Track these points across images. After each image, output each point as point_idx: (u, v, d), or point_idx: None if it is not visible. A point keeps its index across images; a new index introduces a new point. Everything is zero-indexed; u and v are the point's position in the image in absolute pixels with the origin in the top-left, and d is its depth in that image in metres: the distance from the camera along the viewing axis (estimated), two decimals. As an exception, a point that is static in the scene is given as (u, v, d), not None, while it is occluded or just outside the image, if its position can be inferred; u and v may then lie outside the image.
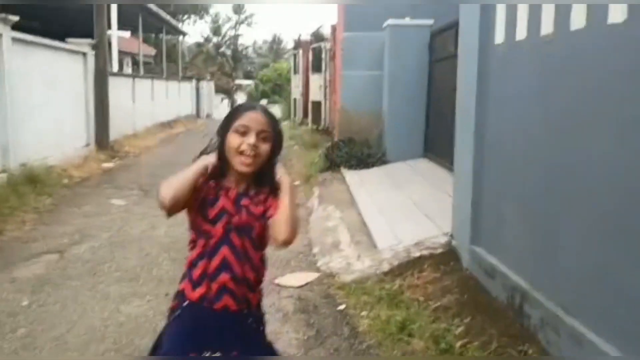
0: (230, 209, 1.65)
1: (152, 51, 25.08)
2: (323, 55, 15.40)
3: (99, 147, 10.41)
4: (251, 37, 78.05)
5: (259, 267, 1.73)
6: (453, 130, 4.35)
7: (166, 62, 21.32)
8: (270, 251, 1.77)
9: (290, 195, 1.65)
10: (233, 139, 1.63)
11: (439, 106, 7.75)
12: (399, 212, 5.51)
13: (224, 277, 1.65)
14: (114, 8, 14.50)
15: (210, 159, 1.66)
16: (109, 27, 12.90)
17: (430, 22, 8.30)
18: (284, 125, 18.78)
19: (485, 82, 3.67)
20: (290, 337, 3.22)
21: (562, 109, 2.74)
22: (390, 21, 8.58)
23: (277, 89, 33.15)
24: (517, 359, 2.73)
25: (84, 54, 10.14)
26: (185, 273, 1.71)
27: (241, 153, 1.62)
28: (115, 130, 11.36)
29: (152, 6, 16.91)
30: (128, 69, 21.53)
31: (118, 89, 12.13)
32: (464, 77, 4.08)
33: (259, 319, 1.78)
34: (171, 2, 29.19)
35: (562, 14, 2.68)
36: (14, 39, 7.30)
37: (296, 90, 21.04)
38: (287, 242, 1.62)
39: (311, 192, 7.41)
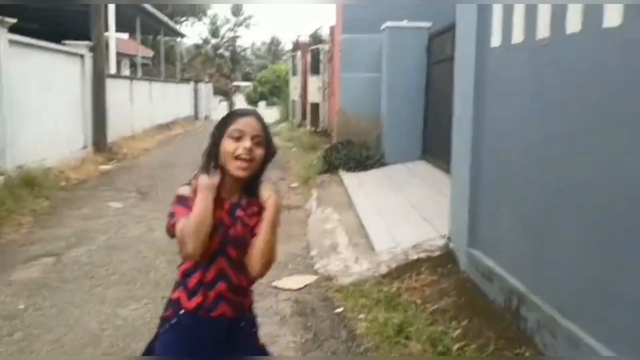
0: (226, 220, 1.65)
1: (150, 53, 25.07)
2: (321, 57, 15.41)
3: (96, 149, 10.40)
4: (249, 38, 78.16)
5: None
6: (451, 132, 4.35)
7: (164, 64, 21.32)
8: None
9: (272, 224, 1.63)
10: (228, 144, 1.62)
11: (437, 108, 7.76)
12: (397, 214, 5.51)
13: (221, 286, 1.65)
14: (111, 10, 14.50)
15: (207, 181, 1.60)
16: (107, 29, 12.91)
17: (428, 24, 8.32)
18: (283, 127, 18.80)
19: (482, 85, 3.68)
20: (287, 340, 3.22)
21: (558, 111, 2.74)
22: (388, 23, 8.59)
23: (276, 90, 33.19)
24: (514, 362, 2.74)
25: (82, 56, 10.14)
26: (178, 282, 1.70)
27: (237, 158, 1.61)
28: (113, 132, 11.34)
29: (150, 8, 16.91)
30: (126, 71, 21.52)
31: (116, 90, 12.13)
32: (461, 79, 4.09)
33: (252, 322, 1.79)
34: (169, 2, 29.19)
35: (558, 18, 2.69)
36: (11, 41, 7.30)
37: (295, 92, 21.06)
38: (259, 277, 1.67)
39: (309, 194, 7.41)
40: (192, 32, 45.12)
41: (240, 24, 46.81)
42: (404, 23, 8.52)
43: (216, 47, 44.89)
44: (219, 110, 28.70)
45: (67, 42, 9.95)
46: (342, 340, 3.19)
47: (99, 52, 10.65)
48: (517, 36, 3.15)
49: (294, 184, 8.32)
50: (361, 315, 3.43)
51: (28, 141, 7.67)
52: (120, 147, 11.48)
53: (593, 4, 2.41)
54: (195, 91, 25.14)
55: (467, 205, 3.82)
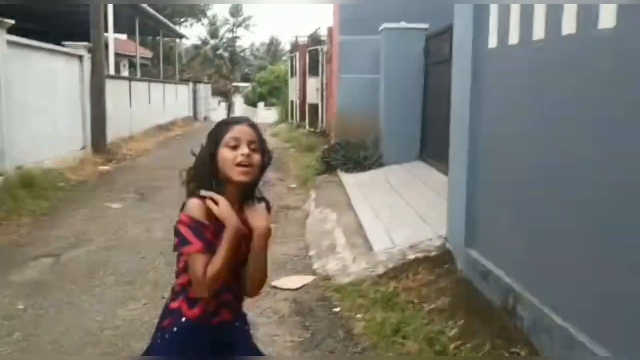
0: None
1: (149, 54, 25.10)
2: (320, 58, 15.43)
3: (95, 150, 10.40)
4: (248, 39, 77.73)
5: None
6: (448, 133, 4.37)
7: (163, 65, 21.36)
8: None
9: (260, 252, 1.64)
10: (227, 153, 1.61)
11: (435, 109, 7.77)
12: (394, 214, 5.53)
13: (226, 296, 1.67)
14: (110, 11, 14.50)
15: (237, 223, 1.59)
16: (106, 30, 12.91)
17: (425, 25, 8.34)
18: (281, 128, 18.82)
19: (478, 86, 3.70)
20: (285, 340, 3.24)
21: (555, 112, 2.76)
22: (386, 24, 8.61)
23: (275, 91, 33.19)
24: (510, 360, 2.76)
25: (81, 57, 10.15)
26: (178, 292, 1.68)
27: (237, 165, 1.61)
28: (112, 133, 11.34)
29: (149, 9, 16.93)
30: (125, 72, 21.53)
31: (115, 91, 12.14)
32: (457, 80, 4.11)
33: (244, 320, 1.81)
34: (168, 2, 29.20)
35: (554, 19, 2.72)
36: (10, 42, 7.31)
37: (293, 93, 21.07)
38: (252, 296, 1.76)
39: (308, 194, 7.43)
40: (191, 33, 45.05)
41: (239, 25, 46.89)
42: (402, 24, 8.55)
43: (215, 48, 44.95)
44: (217, 111, 28.71)
45: (66, 43, 9.96)
46: (339, 340, 3.21)
47: (98, 53, 10.65)
48: (514, 37, 3.18)
49: (293, 185, 8.35)
50: (359, 315, 3.45)
51: (27, 142, 7.67)
52: (119, 148, 11.48)
53: (589, 4, 2.43)
54: (194, 92, 25.14)
55: (464, 206, 3.84)
